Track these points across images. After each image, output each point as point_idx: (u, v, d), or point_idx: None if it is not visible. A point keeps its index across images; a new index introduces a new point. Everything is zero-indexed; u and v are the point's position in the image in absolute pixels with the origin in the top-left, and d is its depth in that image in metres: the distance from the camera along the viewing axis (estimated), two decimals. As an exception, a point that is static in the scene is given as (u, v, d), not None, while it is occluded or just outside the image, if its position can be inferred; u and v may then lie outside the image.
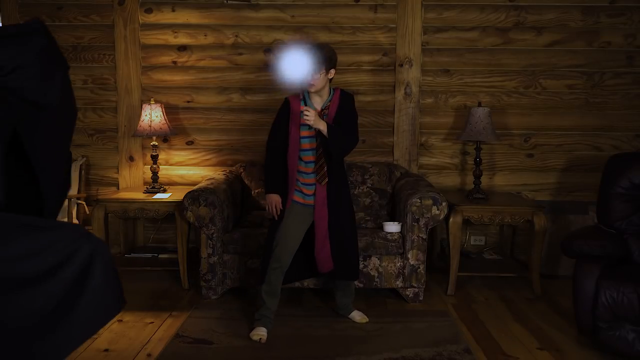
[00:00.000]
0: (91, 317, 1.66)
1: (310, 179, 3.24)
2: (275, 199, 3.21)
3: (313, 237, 3.27)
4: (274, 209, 3.21)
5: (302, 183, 3.25)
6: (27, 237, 1.55)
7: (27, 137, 1.68)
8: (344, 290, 3.45)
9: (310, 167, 3.23)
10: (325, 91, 3.24)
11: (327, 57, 3.15)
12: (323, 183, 3.22)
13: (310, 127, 3.16)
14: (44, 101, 1.71)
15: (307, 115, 3.07)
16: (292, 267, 3.27)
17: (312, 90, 3.18)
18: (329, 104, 3.23)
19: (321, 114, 3.19)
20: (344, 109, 3.24)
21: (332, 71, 3.20)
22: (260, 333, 3.17)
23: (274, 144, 3.27)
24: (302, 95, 3.26)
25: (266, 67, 4.50)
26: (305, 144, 3.22)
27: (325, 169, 3.22)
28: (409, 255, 3.70)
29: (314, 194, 3.24)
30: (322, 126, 3.11)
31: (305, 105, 3.21)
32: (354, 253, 3.38)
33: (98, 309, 1.67)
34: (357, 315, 3.45)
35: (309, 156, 3.23)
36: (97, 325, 1.69)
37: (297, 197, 3.26)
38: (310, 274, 3.46)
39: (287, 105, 3.27)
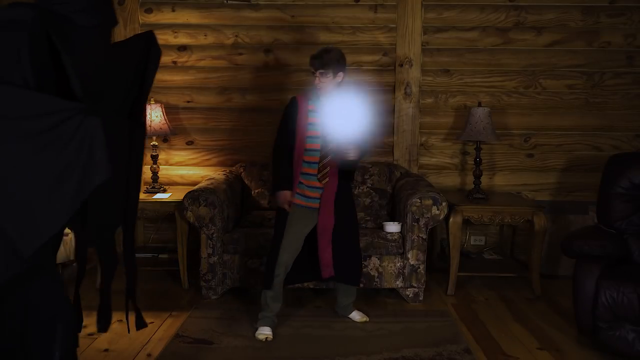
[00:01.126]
0: (91, 172, 1.74)
1: (314, 180, 3.24)
2: (287, 196, 3.22)
3: (315, 240, 3.27)
4: (287, 206, 3.23)
5: (306, 185, 3.25)
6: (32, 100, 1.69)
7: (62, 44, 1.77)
8: (345, 291, 3.44)
9: (314, 168, 3.23)
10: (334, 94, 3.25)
11: (335, 61, 3.17)
12: (324, 182, 3.23)
13: (317, 127, 3.20)
14: (87, 25, 1.85)
15: (351, 155, 3.15)
16: (293, 269, 3.28)
17: (320, 91, 3.20)
18: None
19: None
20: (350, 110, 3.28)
21: (341, 74, 3.22)
22: (266, 332, 3.19)
23: (282, 144, 3.28)
24: (311, 95, 3.28)
25: (266, 67, 4.50)
26: (311, 144, 3.22)
27: (328, 169, 3.22)
28: (409, 255, 3.70)
29: (318, 197, 3.24)
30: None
31: (313, 104, 3.24)
32: (357, 258, 3.38)
33: (97, 164, 1.76)
34: (357, 315, 3.45)
35: (314, 156, 3.23)
36: (93, 182, 1.76)
37: (299, 200, 3.26)
38: (311, 277, 3.45)
39: (295, 104, 3.28)
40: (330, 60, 3.15)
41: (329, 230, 3.23)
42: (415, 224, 3.68)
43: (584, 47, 4.44)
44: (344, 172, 3.26)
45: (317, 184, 3.24)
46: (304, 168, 3.24)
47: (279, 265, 3.20)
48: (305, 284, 3.70)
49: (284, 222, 3.24)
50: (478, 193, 4.12)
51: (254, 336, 3.19)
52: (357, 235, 3.41)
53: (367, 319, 3.43)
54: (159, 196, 4.10)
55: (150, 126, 4.14)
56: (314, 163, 3.24)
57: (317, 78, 3.18)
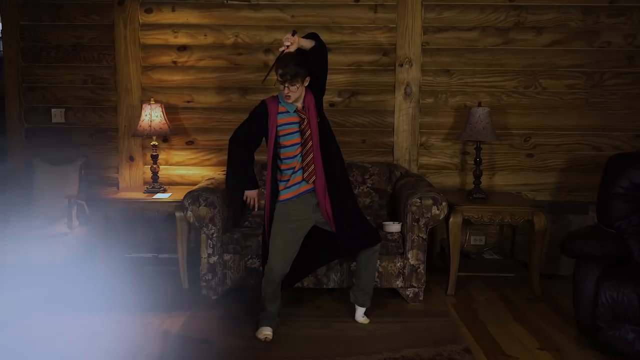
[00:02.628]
0: None
1: (297, 177, 3.23)
2: (252, 194, 3.31)
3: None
4: (253, 203, 3.32)
5: (290, 186, 3.24)
6: None
7: None
8: (370, 263, 3.39)
9: (290, 173, 3.22)
10: (302, 96, 3.24)
11: (301, 67, 3.13)
12: (311, 181, 3.22)
13: (293, 123, 3.19)
14: None
15: (288, 43, 3.07)
16: (300, 266, 3.32)
17: (289, 101, 3.18)
18: (304, 103, 3.23)
19: (303, 112, 3.20)
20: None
21: (308, 78, 3.20)
22: (266, 332, 3.19)
23: (240, 137, 3.28)
24: (279, 98, 3.26)
25: (266, 67, 4.50)
26: (287, 141, 3.21)
27: (313, 167, 3.20)
28: (409, 255, 3.70)
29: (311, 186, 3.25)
30: (305, 41, 3.13)
31: (284, 106, 3.22)
32: (366, 219, 3.40)
33: None
34: (360, 315, 3.43)
35: (293, 151, 3.22)
36: None
37: (289, 193, 3.25)
38: (323, 262, 3.51)
39: (264, 107, 3.26)
40: (298, 68, 3.10)
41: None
42: (415, 224, 3.68)
43: (584, 47, 4.44)
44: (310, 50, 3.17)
45: (299, 179, 3.23)
46: (282, 173, 3.25)
47: (271, 271, 3.19)
48: (305, 284, 3.70)
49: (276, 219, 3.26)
50: (478, 193, 4.12)
51: (254, 336, 3.19)
52: (356, 202, 3.42)
53: (368, 322, 3.42)
54: (159, 196, 4.10)
55: (150, 126, 4.15)
56: (292, 158, 3.22)
57: (286, 89, 3.13)
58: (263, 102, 3.31)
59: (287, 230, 3.22)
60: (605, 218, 3.37)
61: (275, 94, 3.33)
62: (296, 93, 3.15)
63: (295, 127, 3.20)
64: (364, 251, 3.34)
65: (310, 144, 3.20)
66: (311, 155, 3.20)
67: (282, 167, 3.26)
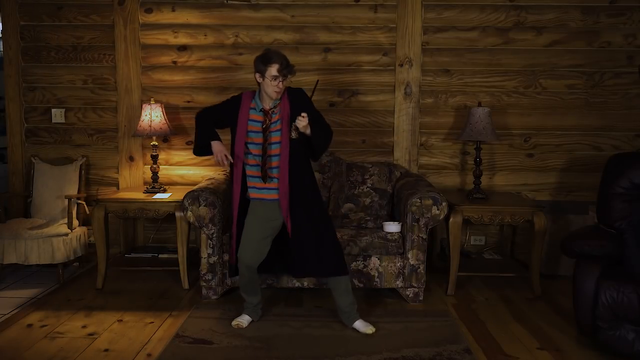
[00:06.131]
0: None
1: (259, 182, 3.21)
2: (220, 148, 3.21)
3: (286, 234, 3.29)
4: (223, 157, 3.20)
5: (257, 188, 3.22)
6: None
7: None
8: (338, 290, 3.31)
9: (257, 170, 3.19)
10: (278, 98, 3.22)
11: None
12: (266, 182, 3.19)
13: (258, 122, 3.17)
14: None
15: (302, 120, 3.02)
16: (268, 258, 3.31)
17: (278, 97, 3.15)
18: (278, 103, 3.19)
19: (270, 113, 3.17)
20: (299, 105, 3.18)
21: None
22: (239, 321, 3.28)
23: (207, 113, 3.32)
24: (256, 94, 3.23)
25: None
26: (253, 138, 3.18)
27: (269, 170, 3.18)
28: (409, 255, 3.70)
29: (274, 187, 3.20)
30: (309, 130, 3.09)
31: (254, 103, 3.19)
32: (334, 247, 3.26)
33: None
34: (361, 326, 3.31)
35: (255, 152, 3.19)
36: None
37: (255, 194, 3.23)
38: (286, 271, 3.49)
39: (239, 99, 3.25)
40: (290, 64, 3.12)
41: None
42: (415, 223, 3.68)
43: (584, 47, 4.44)
44: (307, 149, 3.17)
45: (266, 184, 3.20)
46: (248, 171, 3.22)
47: (240, 263, 3.23)
48: (305, 284, 3.70)
49: (243, 218, 3.24)
50: (478, 193, 4.12)
51: (254, 336, 3.19)
52: (329, 224, 3.29)
53: (373, 330, 3.28)
54: (159, 196, 4.10)
55: (150, 126, 4.15)
56: (255, 160, 3.20)
57: (280, 83, 3.09)
58: (240, 94, 3.29)
59: (257, 225, 3.21)
60: (605, 218, 3.37)
61: (254, 89, 3.30)
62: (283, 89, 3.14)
63: (259, 126, 3.18)
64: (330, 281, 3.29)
65: (270, 144, 3.17)
66: (270, 157, 3.17)
67: (250, 162, 3.21)
